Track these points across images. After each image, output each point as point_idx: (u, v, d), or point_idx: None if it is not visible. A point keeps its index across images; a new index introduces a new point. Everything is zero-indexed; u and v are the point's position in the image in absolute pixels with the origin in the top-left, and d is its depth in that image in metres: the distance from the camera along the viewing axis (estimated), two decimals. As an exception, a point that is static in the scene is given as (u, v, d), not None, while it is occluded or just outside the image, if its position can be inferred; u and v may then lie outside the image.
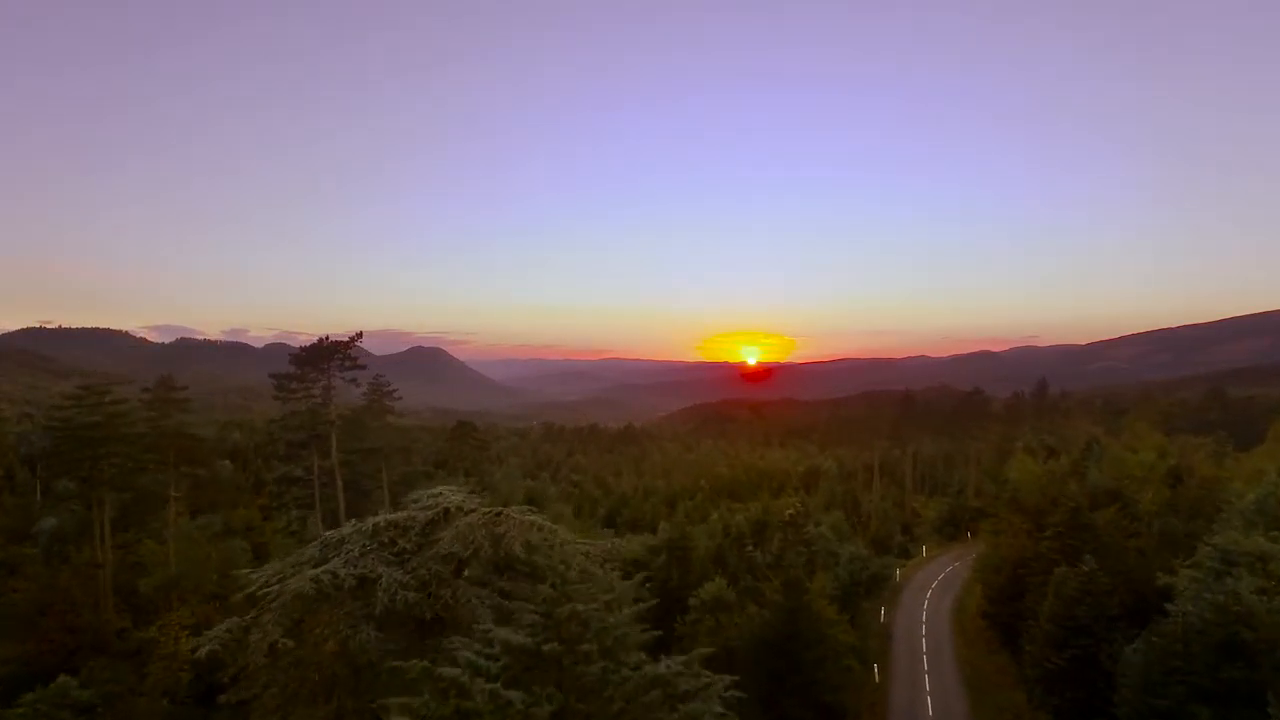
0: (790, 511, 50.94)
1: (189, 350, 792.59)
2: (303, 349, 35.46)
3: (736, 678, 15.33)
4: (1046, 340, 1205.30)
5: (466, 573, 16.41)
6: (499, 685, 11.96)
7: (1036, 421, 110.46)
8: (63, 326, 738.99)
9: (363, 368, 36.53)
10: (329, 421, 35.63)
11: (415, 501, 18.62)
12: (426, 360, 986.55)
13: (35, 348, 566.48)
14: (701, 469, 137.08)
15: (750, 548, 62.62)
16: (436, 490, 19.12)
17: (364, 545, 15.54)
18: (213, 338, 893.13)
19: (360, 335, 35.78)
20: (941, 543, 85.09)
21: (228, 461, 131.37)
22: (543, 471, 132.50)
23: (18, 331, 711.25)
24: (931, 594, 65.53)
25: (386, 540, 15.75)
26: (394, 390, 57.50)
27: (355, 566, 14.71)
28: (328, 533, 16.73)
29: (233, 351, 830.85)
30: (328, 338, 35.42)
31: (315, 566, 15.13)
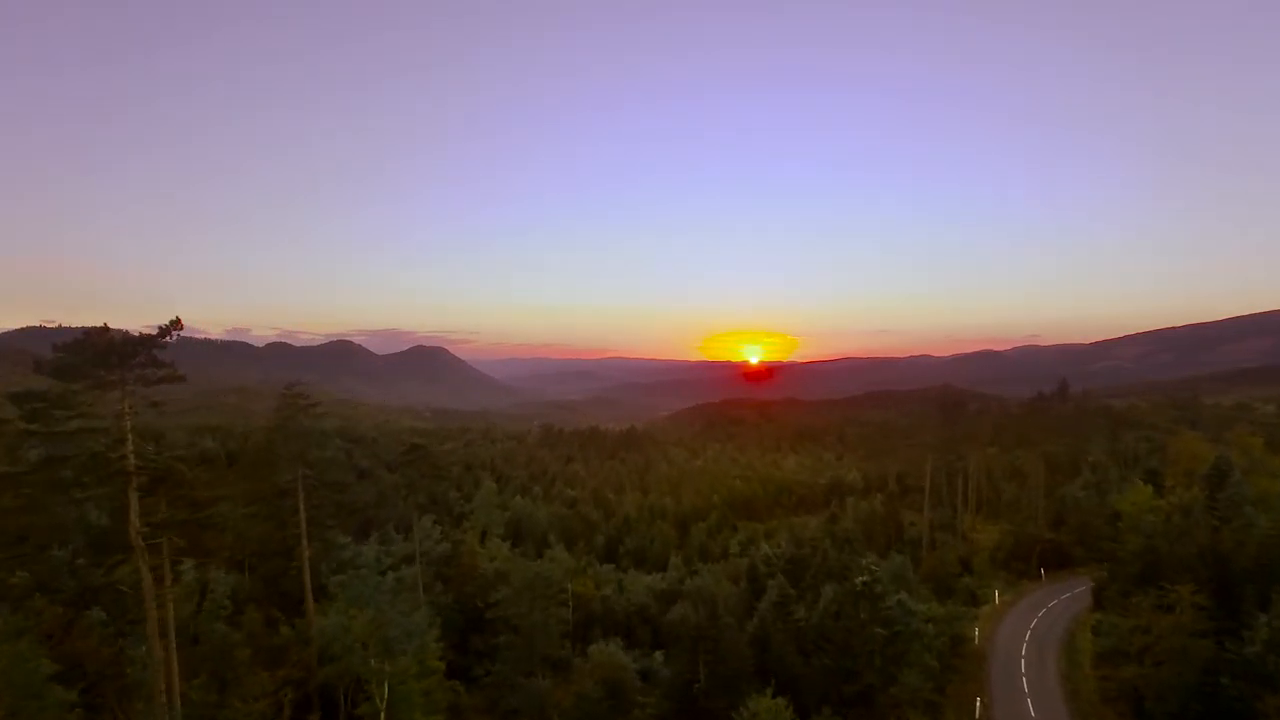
0: (863, 579, 35.08)
1: (189, 349, 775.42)
2: (60, 347, 19.23)
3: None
4: (1049, 340, 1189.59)
5: None
6: None
7: (1100, 430, 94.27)
8: (63, 325, 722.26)
9: (181, 378, 20.27)
10: (123, 472, 19.51)
11: None
12: (428, 360, 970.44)
13: (36, 347, 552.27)
14: (713, 481, 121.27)
15: (796, 612, 46.78)
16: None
17: None
18: (214, 337, 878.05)
19: (178, 323, 19.53)
20: (1010, 581, 68.98)
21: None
22: (536, 484, 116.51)
23: (18, 330, 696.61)
24: (1026, 665, 49.70)
25: None
26: (315, 405, 41.66)
27: None
28: None
29: (233, 351, 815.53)
30: (105, 327, 18.93)
31: None
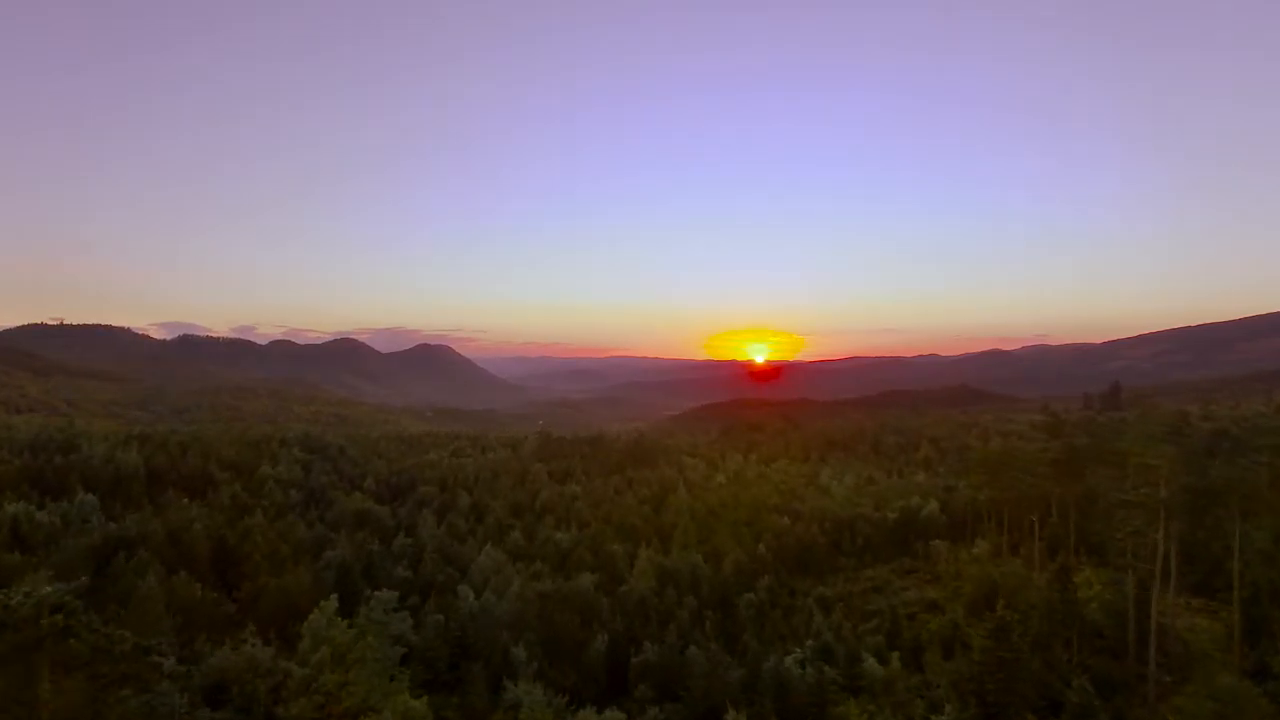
0: None
1: (191, 347, 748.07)
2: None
3: None
4: (1059, 339, 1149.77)
5: None
6: None
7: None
8: (64, 323, 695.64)
9: None
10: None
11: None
12: (433, 358, 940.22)
13: (35, 345, 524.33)
14: (751, 517, 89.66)
15: None
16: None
17: None
18: (218, 334, 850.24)
19: None
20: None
21: (39, 512, 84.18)
22: (516, 524, 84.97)
23: (20, 328, 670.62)
24: None
25: None
26: None
27: None
28: None
29: (236, 349, 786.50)
30: None
31: None
